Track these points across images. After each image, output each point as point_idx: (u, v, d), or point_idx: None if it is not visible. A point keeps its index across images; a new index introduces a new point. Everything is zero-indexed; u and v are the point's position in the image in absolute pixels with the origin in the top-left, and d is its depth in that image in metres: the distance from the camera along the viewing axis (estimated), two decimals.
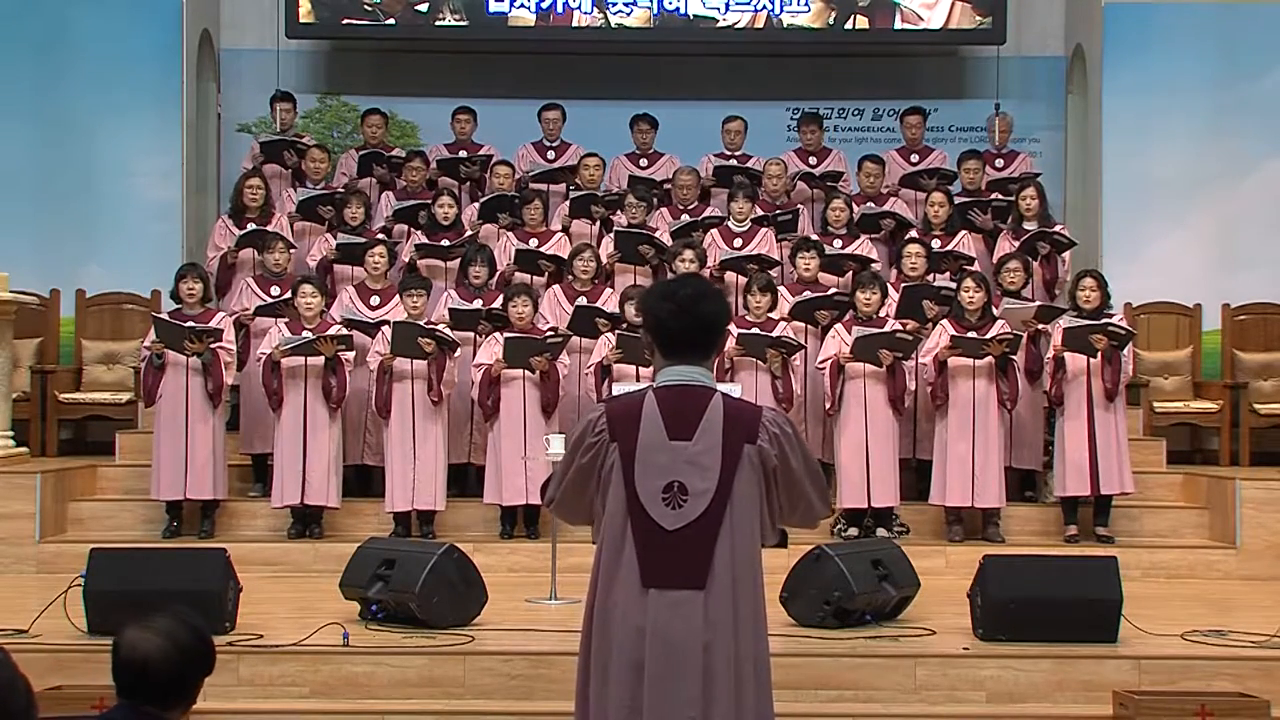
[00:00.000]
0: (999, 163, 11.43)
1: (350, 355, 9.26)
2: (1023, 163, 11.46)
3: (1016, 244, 10.19)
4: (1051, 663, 6.52)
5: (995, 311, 9.37)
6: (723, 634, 3.79)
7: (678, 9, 11.97)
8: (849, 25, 11.96)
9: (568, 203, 10.89)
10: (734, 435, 3.86)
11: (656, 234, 10.47)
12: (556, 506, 4.11)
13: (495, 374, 9.22)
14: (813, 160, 11.45)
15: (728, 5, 11.97)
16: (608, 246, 10.33)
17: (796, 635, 6.84)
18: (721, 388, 4.04)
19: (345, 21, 12.03)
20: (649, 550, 3.81)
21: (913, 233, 10.44)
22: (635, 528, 3.83)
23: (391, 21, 12.04)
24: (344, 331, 9.27)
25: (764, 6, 11.96)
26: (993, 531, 9.28)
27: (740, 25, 12.00)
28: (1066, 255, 10.46)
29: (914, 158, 11.47)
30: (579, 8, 11.96)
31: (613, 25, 11.97)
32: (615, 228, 10.53)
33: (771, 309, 9.47)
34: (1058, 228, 10.44)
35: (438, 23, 11.99)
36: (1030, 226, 10.34)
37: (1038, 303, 9.67)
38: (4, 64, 11.34)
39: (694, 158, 11.38)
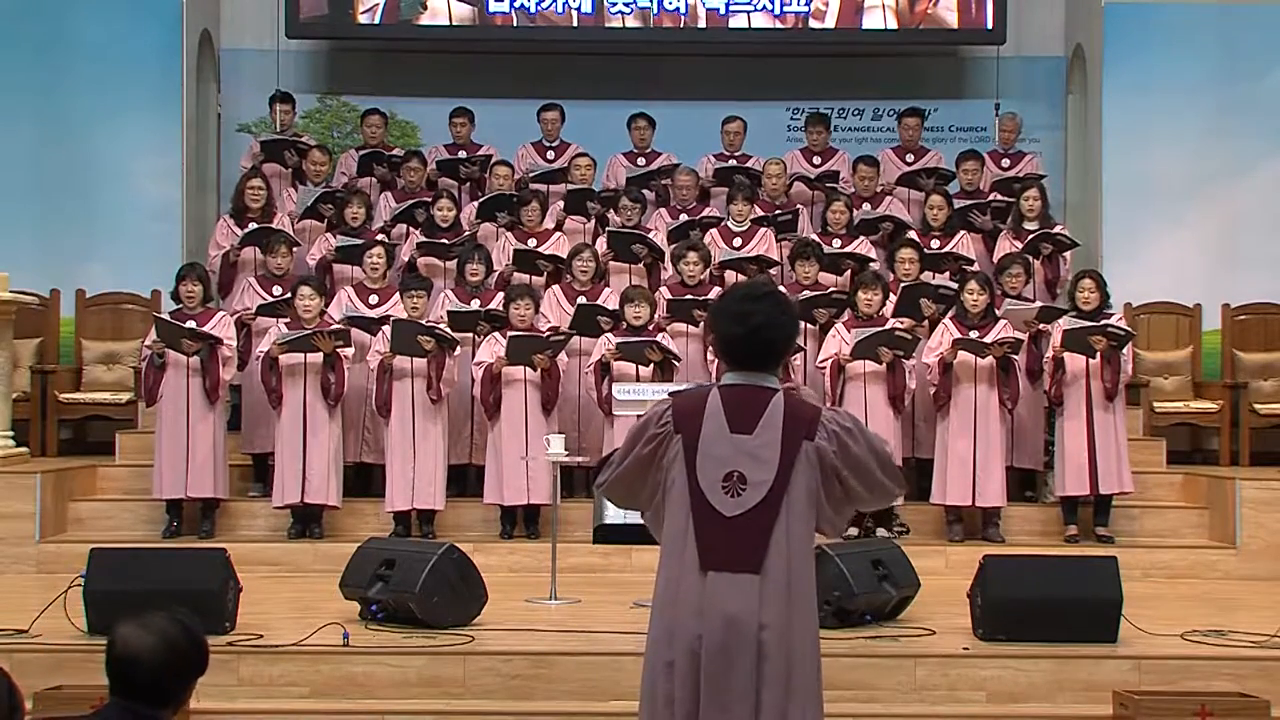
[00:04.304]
0: (1005, 162, 11.42)
1: (349, 352, 9.26)
2: (1029, 163, 11.45)
3: (1019, 244, 10.20)
4: (1051, 663, 6.52)
5: (997, 312, 9.38)
6: (777, 616, 3.90)
7: (678, 8, 11.96)
8: (867, 25, 11.93)
9: (562, 200, 10.89)
10: (793, 431, 3.97)
11: (652, 234, 10.49)
12: (608, 489, 4.21)
13: (496, 371, 9.22)
14: (817, 160, 11.46)
15: (728, 5, 11.96)
16: (601, 245, 10.34)
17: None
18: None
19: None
20: (708, 535, 3.94)
21: (910, 234, 10.43)
22: (696, 514, 3.95)
23: (392, 22, 12.04)
24: (341, 327, 9.27)
25: (764, 6, 11.95)
26: (993, 531, 9.28)
27: (742, 25, 11.99)
28: (1068, 255, 10.47)
29: (909, 157, 11.47)
30: (579, 8, 11.95)
31: (613, 25, 11.96)
32: (609, 227, 10.54)
33: None
34: (1058, 228, 10.45)
35: (437, 23, 11.98)
36: (1032, 227, 10.35)
37: (1040, 304, 9.68)
38: (4, 64, 11.33)
39: (694, 158, 11.37)
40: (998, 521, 9.32)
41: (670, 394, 4.19)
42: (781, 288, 9.73)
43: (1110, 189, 11.59)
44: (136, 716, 3.17)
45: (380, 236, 10.41)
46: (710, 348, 4.06)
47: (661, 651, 3.97)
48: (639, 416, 4.13)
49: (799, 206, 10.96)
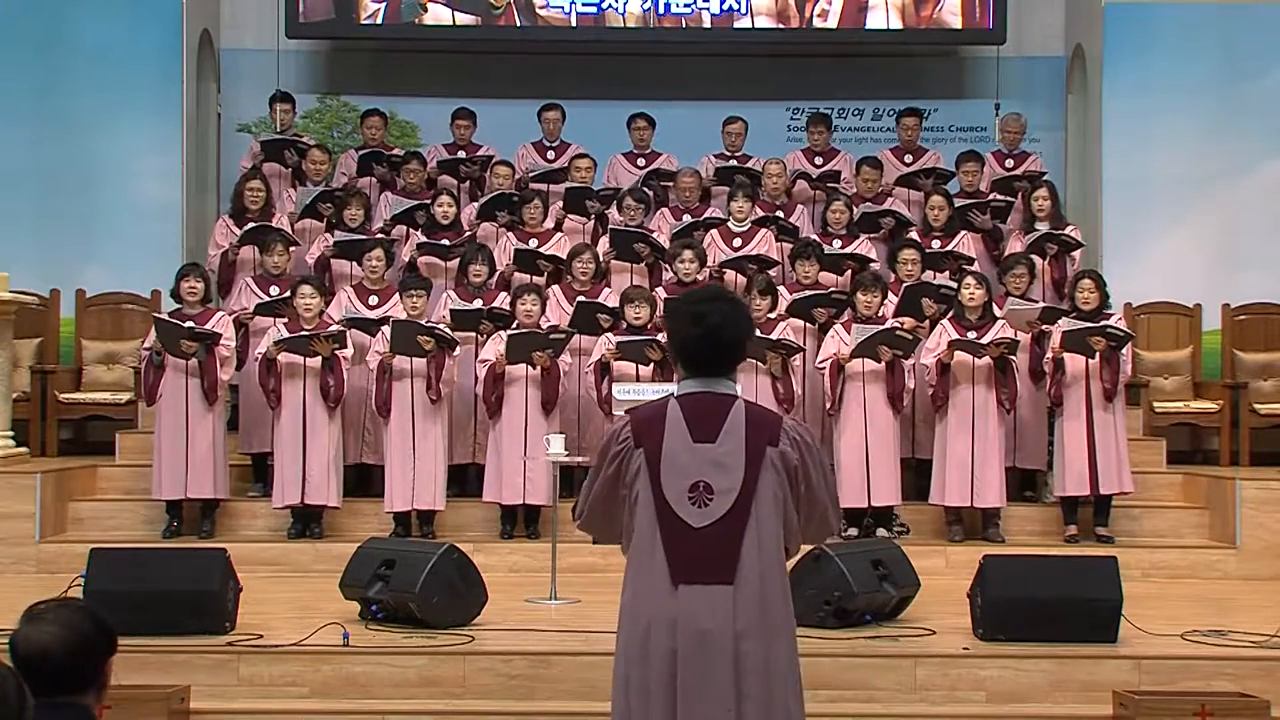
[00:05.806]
0: (1009, 163, 11.41)
1: (348, 353, 9.25)
2: (1033, 164, 11.43)
3: (1026, 244, 10.20)
4: (1051, 663, 6.52)
5: (998, 311, 9.38)
6: (753, 627, 3.86)
7: (676, 8, 11.95)
8: (871, 25, 11.91)
9: (562, 199, 10.90)
10: (756, 438, 3.93)
11: (656, 234, 10.49)
12: (585, 522, 4.17)
13: (500, 370, 9.22)
14: (819, 160, 11.46)
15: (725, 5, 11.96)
16: (603, 245, 10.33)
17: (797, 635, 6.82)
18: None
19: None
20: (677, 548, 3.88)
21: (911, 233, 10.44)
22: (663, 528, 3.90)
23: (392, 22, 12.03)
24: (339, 330, 9.26)
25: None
26: (993, 531, 9.28)
27: (743, 25, 11.98)
28: (1076, 255, 10.46)
29: (908, 158, 11.47)
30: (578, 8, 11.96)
31: (613, 25, 11.96)
32: (611, 226, 10.54)
33: (772, 311, 9.48)
34: (1069, 229, 10.45)
35: (437, 23, 11.98)
36: (1042, 227, 10.36)
37: (1042, 304, 9.68)
38: (4, 64, 11.34)
39: (694, 158, 11.37)
40: (998, 521, 9.31)
41: (627, 411, 4.14)
42: (782, 287, 9.86)
43: (1110, 189, 11.59)
44: (66, 710, 3.16)
45: (379, 237, 10.40)
46: (666, 352, 4.04)
47: (634, 669, 3.91)
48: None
49: (800, 207, 10.95)
